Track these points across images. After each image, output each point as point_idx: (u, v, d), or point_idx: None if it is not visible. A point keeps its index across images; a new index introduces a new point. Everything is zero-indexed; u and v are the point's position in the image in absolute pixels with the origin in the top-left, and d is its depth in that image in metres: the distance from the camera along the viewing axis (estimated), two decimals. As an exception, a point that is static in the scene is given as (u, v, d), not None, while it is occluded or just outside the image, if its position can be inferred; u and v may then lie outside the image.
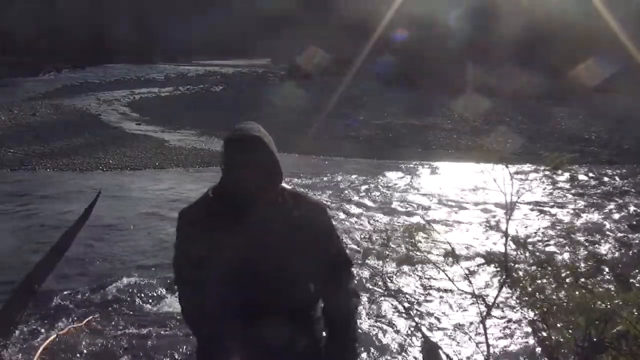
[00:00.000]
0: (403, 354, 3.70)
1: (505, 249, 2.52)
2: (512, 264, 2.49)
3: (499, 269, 2.50)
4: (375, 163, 10.57)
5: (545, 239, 6.12)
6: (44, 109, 16.12)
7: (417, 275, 4.93)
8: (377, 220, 6.79)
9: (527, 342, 3.77)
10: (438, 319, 4.18)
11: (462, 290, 2.99)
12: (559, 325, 2.29)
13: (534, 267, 2.49)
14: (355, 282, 2.05)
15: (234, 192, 1.87)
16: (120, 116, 15.91)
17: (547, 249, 5.75)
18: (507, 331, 3.94)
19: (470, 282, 2.84)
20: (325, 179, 8.96)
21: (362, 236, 6.11)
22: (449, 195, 8.05)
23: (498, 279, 2.55)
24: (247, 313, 1.82)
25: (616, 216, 7.09)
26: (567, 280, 2.32)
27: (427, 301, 4.48)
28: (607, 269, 4.99)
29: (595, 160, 10.66)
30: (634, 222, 6.83)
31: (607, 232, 6.38)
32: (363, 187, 8.53)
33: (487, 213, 7.07)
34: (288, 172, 2.82)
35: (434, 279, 4.75)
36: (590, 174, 9.44)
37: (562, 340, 2.28)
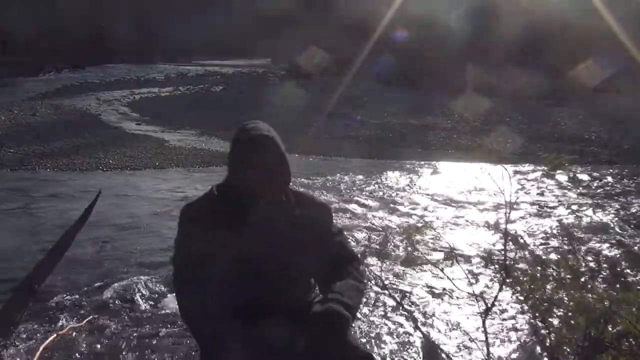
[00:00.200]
0: (403, 354, 3.70)
1: (505, 249, 2.52)
2: (512, 264, 2.49)
3: (499, 269, 2.51)
4: (375, 163, 10.57)
5: (545, 239, 6.12)
6: (44, 109, 16.11)
7: (417, 275, 4.93)
8: (377, 220, 6.79)
9: (527, 342, 3.77)
10: (438, 319, 4.18)
11: (462, 290, 2.99)
12: (559, 325, 2.29)
13: (534, 267, 2.50)
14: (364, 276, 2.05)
15: (238, 191, 1.87)
16: (120, 116, 15.91)
17: (547, 249, 5.75)
18: (507, 331, 3.94)
19: (470, 282, 2.85)
20: (325, 178, 8.97)
21: (361, 236, 6.10)
22: (449, 195, 8.05)
23: (498, 279, 2.55)
24: (249, 312, 1.82)
25: (616, 216, 7.09)
26: (567, 280, 2.32)
27: (427, 301, 4.48)
28: (607, 269, 4.99)
29: (595, 160, 10.66)
30: (635, 222, 6.83)
31: (607, 232, 6.38)
32: (363, 187, 8.53)
33: (487, 213, 7.06)
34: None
35: (434, 278, 4.75)
36: (590, 174, 9.44)
37: (562, 340, 2.28)
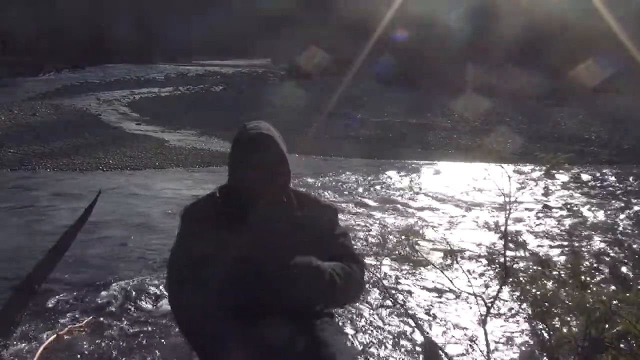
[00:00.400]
0: (403, 354, 3.70)
1: (505, 249, 2.52)
2: (512, 264, 2.49)
3: (499, 269, 2.51)
4: (375, 163, 10.57)
5: (546, 239, 6.12)
6: (44, 109, 16.11)
7: (417, 275, 4.92)
8: (377, 220, 6.78)
9: (527, 342, 3.77)
10: (438, 319, 4.18)
11: (462, 290, 2.99)
12: (559, 325, 2.29)
13: (534, 267, 2.50)
14: (365, 277, 2.02)
15: (239, 192, 1.87)
16: (120, 116, 15.91)
17: (547, 249, 5.75)
18: (507, 331, 3.94)
19: (470, 282, 2.85)
20: (325, 178, 8.97)
21: (361, 236, 6.10)
22: (449, 195, 8.05)
23: (498, 279, 2.55)
24: (249, 312, 1.82)
25: (616, 216, 7.09)
26: (567, 280, 2.32)
27: (427, 301, 4.48)
28: (607, 269, 4.99)
29: (595, 160, 10.66)
30: (635, 222, 6.83)
31: (607, 232, 6.38)
32: (363, 187, 8.53)
33: (486, 213, 7.06)
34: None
35: (434, 279, 4.75)
36: (590, 174, 9.44)
37: (562, 340, 2.28)
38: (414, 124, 14.43)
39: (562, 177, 8.62)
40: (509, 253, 2.49)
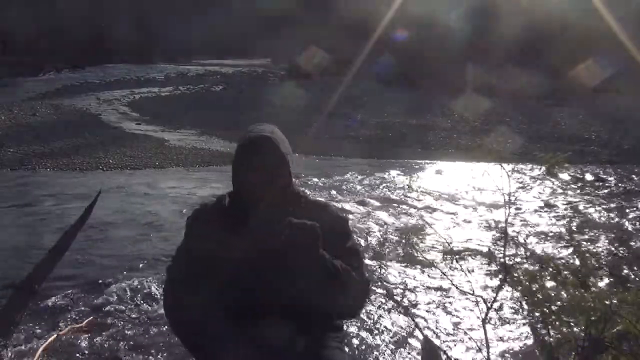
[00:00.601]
0: (403, 354, 3.70)
1: (505, 248, 2.52)
2: (512, 264, 2.49)
3: (499, 268, 2.51)
4: (375, 163, 10.57)
5: (545, 238, 6.12)
6: (44, 109, 16.11)
7: (417, 275, 4.93)
8: (377, 220, 6.78)
9: (527, 342, 3.77)
10: (438, 319, 4.18)
11: (462, 290, 2.99)
12: (558, 325, 2.28)
13: (534, 267, 2.50)
14: (366, 274, 2.00)
15: (240, 195, 1.88)
16: (120, 116, 15.91)
17: (547, 249, 5.75)
18: (507, 331, 3.94)
19: (470, 282, 2.85)
20: (325, 178, 8.96)
21: (361, 236, 6.10)
22: (449, 194, 8.05)
23: (498, 279, 2.55)
24: (249, 313, 1.82)
25: (616, 216, 7.09)
26: (567, 280, 2.32)
27: (427, 301, 4.48)
28: (607, 269, 4.99)
29: (595, 160, 10.66)
30: (635, 222, 6.83)
31: (608, 232, 6.38)
32: (363, 187, 8.53)
33: (487, 213, 7.06)
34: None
35: (434, 278, 4.75)
36: (590, 174, 9.44)
37: (562, 340, 2.28)
38: (414, 123, 14.43)
39: (562, 176, 8.62)
40: (509, 252, 2.49)
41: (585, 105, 16.26)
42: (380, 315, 4.19)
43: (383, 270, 5.03)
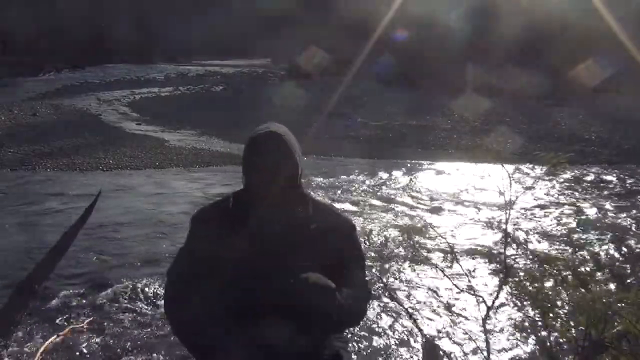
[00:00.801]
0: (403, 353, 3.70)
1: (505, 248, 2.52)
2: (513, 264, 2.49)
3: (499, 268, 2.51)
4: (375, 163, 10.57)
5: (546, 238, 6.12)
6: (44, 109, 16.11)
7: (417, 275, 4.93)
8: (377, 220, 6.78)
9: (527, 342, 3.77)
10: (438, 319, 4.18)
11: (462, 290, 2.99)
12: (559, 325, 2.29)
13: (534, 267, 2.50)
14: (367, 277, 2.00)
15: (245, 194, 1.89)
16: (120, 116, 15.92)
17: (547, 249, 5.75)
18: (507, 331, 3.94)
19: (470, 282, 2.85)
20: (325, 178, 8.96)
21: (361, 236, 6.10)
22: (449, 195, 8.05)
23: (498, 279, 2.55)
24: (249, 313, 1.82)
25: (616, 216, 7.09)
26: (567, 280, 2.32)
27: (427, 301, 4.48)
28: (607, 269, 4.99)
29: (595, 160, 10.66)
30: (635, 222, 6.83)
31: (608, 232, 6.37)
32: (363, 187, 8.53)
33: (487, 213, 7.06)
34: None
35: (434, 278, 4.75)
36: (590, 174, 9.44)
37: (562, 340, 2.28)
38: (413, 124, 14.43)
39: (562, 176, 8.62)
40: (509, 252, 2.49)
41: (585, 105, 16.26)
42: (381, 315, 4.19)
43: (384, 270, 5.03)
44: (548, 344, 2.34)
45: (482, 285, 4.46)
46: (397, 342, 3.84)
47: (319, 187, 8.43)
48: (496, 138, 11.82)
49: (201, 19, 37.20)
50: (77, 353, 3.61)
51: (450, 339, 3.90)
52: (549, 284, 2.40)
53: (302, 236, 1.86)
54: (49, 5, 35.04)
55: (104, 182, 8.25)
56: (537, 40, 19.12)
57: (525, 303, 2.48)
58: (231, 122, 13.40)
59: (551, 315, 2.25)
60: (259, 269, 1.81)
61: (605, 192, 8.36)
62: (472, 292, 2.76)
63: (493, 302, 2.60)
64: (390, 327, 4.03)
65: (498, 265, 2.51)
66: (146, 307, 4.32)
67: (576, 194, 8.25)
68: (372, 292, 2.04)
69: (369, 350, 3.73)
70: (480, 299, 2.71)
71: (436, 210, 7.31)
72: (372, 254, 5.49)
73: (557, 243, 5.98)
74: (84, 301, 4.37)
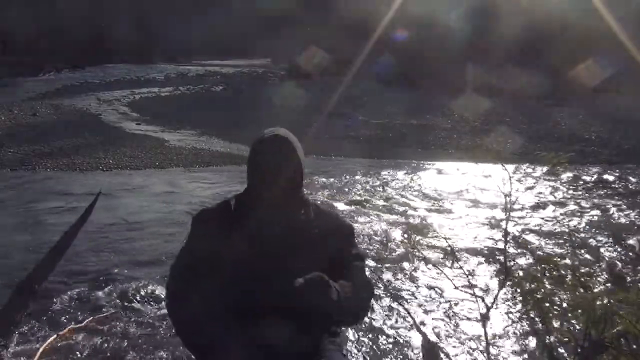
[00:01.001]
0: (403, 354, 3.70)
1: (505, 248, 2.52)
2: (513, 264, 2.49)
3: (499, 268, 2.51)
4: (375, 163, 10.57)
5: (546, 239, 6.12)
6: (44, 109, 16.11)
7: (417, 275, 4.93)
8: (377, 220, 6.78)
9: (527, 342, 3.77)
10: (438, 319, 4.18)
11: (462, 290, 2.99)
12: (559, 325, 2.29)
13: (534, 267, 2.50)
14: (368, 274, 2.01)
15: (247, 195, 1.90)
16: (120, 116, 15.92)
17: (547, 249, 5.75)
18: (507, 331, 3.94)
19: (470, 282, 2.85)
20: (324, 178, 8.96)
21: (361, 236, 6.10)
22: (449, 195, 8.05)
23: (498, 279, 2.55)
24: (249, 313, 1.82)
25: (616, 216, 7.09)
26: (567, 280, 2.32)
27: (427, 301, 4.48)
28: (607, 269, 4.99)
29: (595, 160, 10.66)
30: (635, 222, 6.83)
31: (608, 232, 6.37)
32: (363, 187, 8.53)
33: (487, 213, 7.06)
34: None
35: (434, 278, 4.75)
36: (591, 174, 9.44)
37: (562, 340, 2.28)
38: (413, 124, 14.44)
39: (563, 176, 8.61)
40: (509, 252, 2.49)
41: (585, 105, 16.25)
42: (381, 315, 4.19)
43: (384, 270, 5.03)
44: (548, 344, 2.34)
45: (482, 285, 4.46)
46: (396, 341, 3.84)
47: (319, 187, 8.43)
48: (496, 138, 11.83)
49: (201, 19, 37.21)
50: (77, 353, 3.61)
51: (450, 338, 3.90)
52: (548, 284, 2.40)
53: (303, 239, 1.86)
54: (49, 5, 35.03)
55: (104, 181, 8.26)
56: (537, 40, 19.12)
57: (525, 303, 2.48)
58: (231, 122, 13.41)
59: (551, 315, 2.25)
60: (259, 270, 1.81)
61: (605, 192, 8.36)
62: (472, 292, 2.76)
63: (493, 302, 2.60)
64: (390, 326, 4.03)
65: (498, 265, 2.50)
66: (147, 307, 4.32)
67: (576, 193, 8.25)
68: (374, 290, 2.05)
69: (368, 350, 3.73)
70: (480, 299, 2.71)
71: (436, 210, 7.31)
72: (373, 254, 5.50)
73: (557, 243, 5.97)
74: (84, 301, 4.37)
